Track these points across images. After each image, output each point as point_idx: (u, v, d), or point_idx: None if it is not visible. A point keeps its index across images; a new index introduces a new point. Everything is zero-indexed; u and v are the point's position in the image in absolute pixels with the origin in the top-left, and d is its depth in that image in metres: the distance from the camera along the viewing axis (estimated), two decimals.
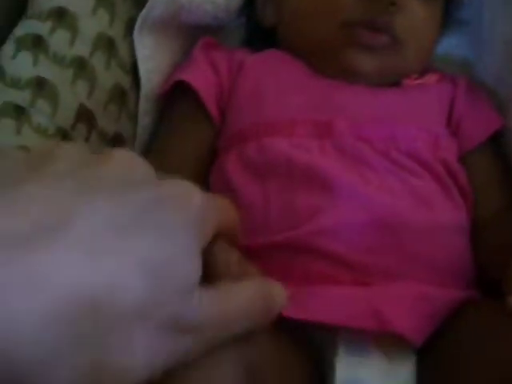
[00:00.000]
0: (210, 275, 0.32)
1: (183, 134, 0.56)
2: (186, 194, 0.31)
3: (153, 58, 0.58)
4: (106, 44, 0.53)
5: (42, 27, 0.50)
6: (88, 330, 0.25)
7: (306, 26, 0.59)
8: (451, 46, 0.70)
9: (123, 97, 0.55)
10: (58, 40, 0.51)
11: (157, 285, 0.27)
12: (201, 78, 0.58)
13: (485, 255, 0.52)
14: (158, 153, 0.56)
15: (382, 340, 0.43)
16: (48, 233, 0.25)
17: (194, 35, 0.64)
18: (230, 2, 0.63)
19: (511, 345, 0.40)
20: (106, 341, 0.25)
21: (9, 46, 0.49)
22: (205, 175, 0.55)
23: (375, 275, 0.47)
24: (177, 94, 0.58)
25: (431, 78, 0.62)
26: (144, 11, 0.55)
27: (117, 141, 0.54)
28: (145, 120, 0.58)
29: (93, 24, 0.53)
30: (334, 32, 0.56)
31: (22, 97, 0.47)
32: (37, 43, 0.50)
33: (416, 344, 0.43)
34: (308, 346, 0.45)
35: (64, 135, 0.49)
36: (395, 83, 0.60)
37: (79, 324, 0.24)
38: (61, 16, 0.51)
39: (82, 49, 0.52)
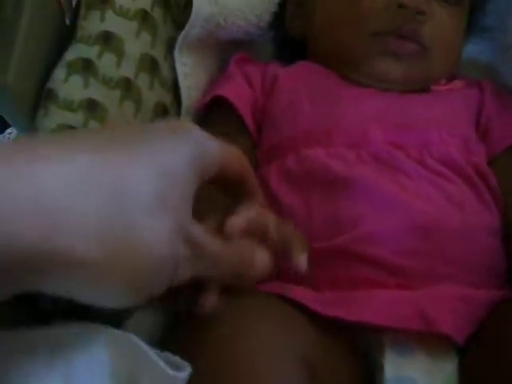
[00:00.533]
0: None
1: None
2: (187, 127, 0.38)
3: (192, 75, 0.61)
4: (149, 64, 0.56)
5: (91, 51, 0.53)
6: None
7: (335, 35, 0.62)
8: (476, 51, 0.72)
9: (165, 114, 0.58)
10: (106, 63, 0.53)
11: (164, 184, 0.33)
12: (237, 92, 0.61)
13: None
14: None
15: (426, 340, 0.46)
16: None
17: (227, 51, 0.67)
18: (261, 18, 0.66)
19: None
20: (132, 219, 0.32)
21: (60, 70, 0.52)
22: None
23: (417, 278, 0.49)
24: (215, 108, 0.61)
25: (458, 84, 0.65)
26: (184, 31, 0.58)
27: None
28: None
29: (137, 46, 0.56)
30: (364, 41, 0.59)
31: (75, 118, 0.50)
32: (86, 67, 0.52)
33: (459, 343, 0.46)
34: (355, 348, 0.48)
35: None
36: (424, 89, 0.63)
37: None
38: (107, 40, 0.54)
39: (127, 70, 0.55)
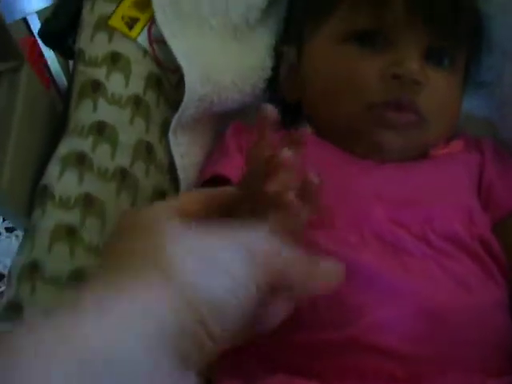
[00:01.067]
0: None
1: None
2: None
3: (188, 154, 0.61)
4: (144, 151, 0.56)
5: (84, 143, 0.53)
6: None
7: (331, 107, 0.61)
8: (473, 106, 0.72)
9: (163, 198, 0.57)
10: (101, 154, 0.53)
11: None
12: (234, 168, 0.60)
13: None
14: None
15: None
16: None
17: (223, 122, 0.66)
18: (255, 86, 0.66)
19: None
20: None
21: (54, 166, 0.52)
22: None
23: (428, 365, 0.48)
24: (213, 184, 0.61)
25: (458, 145, 0.64)
26: (177, 114, 0.58)
27: None
28: None
29: (131, 133, 0.55)
30: (360, 113, 0.58)
31: (72, 217, 0.50)
32: (80, 160, 0.52)
33: None
34: None
35: None
36: (423, 154, 0.62)
37: None
38: (101, 130, 0.54)
39: (122, 160, 0.54)
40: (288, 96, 0.67)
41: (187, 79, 0.57)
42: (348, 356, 0.49)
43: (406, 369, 0.48)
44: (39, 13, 1.33)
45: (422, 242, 0.53)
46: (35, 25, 1.33)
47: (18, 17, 1.36)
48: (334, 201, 0.56)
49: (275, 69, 0.68)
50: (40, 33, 0.67)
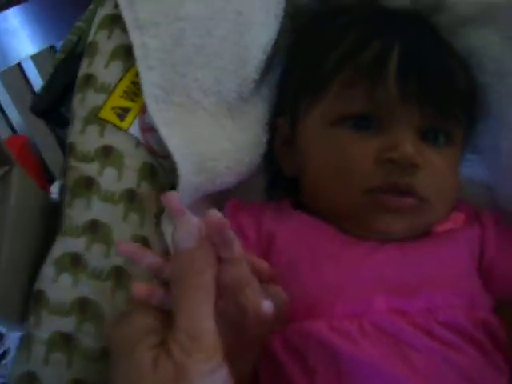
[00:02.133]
0: None
1: None
2: None
3: None
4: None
5: (78, 244, 0.53)
6: None
7: (326, 190, 0.61)
8: (470, 172, 0.72)
9: None
10: (95, 254, 0.53)
11: None
12: None
13: None
14: None
15: None
16: None
17: (219, 200, 0.66)
18: (251, 164, 0.66)
19: None
20: None
21: (48, 269, 0.52)
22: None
23: None
24: None
25: (459, 219, 0.64)
26: None
27: None
28: None
29: (125, 229, 0.55)
30: (359, 198, 0.58)
31: (68, 323, 0.50)
32: (75, 262, 0.52)
33: None
34: None
35: None
36: (425, 231, 0.62)
37: None
38: (95, 229, 0.54)
39: (117, 258, 0.54)
40: (285, 171, 0.67)
41: (181, 171, 0.57)
42: None
43: None
44: (33, 57, 1.34)
45: (426, 333, 0.53)
46: (30, 69, 1.34)
47: (12, 62, 1.38)
48: (335, 287, 0.56)
49: (271, 141, 0.68)
50: (32, 108, 0.67)
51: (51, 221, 0.55)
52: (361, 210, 0.59)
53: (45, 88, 0.67)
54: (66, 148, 0.58)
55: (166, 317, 0.43)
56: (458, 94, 0.61)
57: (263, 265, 0.48)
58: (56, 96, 0.65)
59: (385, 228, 0.59)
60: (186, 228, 0.44)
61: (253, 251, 0.58)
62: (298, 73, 0.67)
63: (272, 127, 0.68)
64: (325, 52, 0.63)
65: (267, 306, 0.45)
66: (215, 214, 0.45)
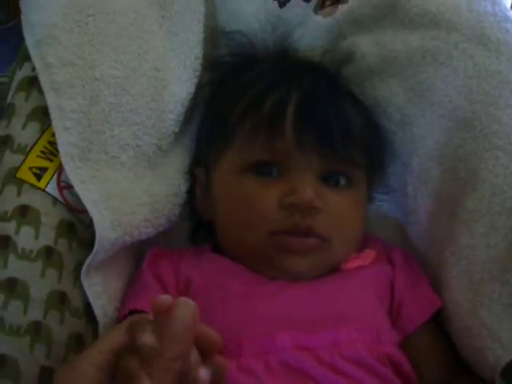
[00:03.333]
0: None
1: None
2: None
3: (106, 291, 0.63)
4: (58, 300, 0.58)
5: None
6: None
7: (236, 233, 0.66)
8: (384, 209, 0.77)
9: (80, 342, 0.60)
10: (13, 311, 0.55)
11: None
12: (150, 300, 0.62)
13: None
14: None
15: None
16: None
17: (141, 247, 0.69)
18: (170, 215, 0.69)
19: None
20: None
21: None
22: None
23: None
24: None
25: (369, 256, 0.68)
26: (88, 260, 0.60)
27: None
28: None
29: (43, 286, 0.58)
30: (264, 241, 0.63)
31: None
32: None
33: None
34: None
35: None
36: (334, 268, 0.66)
37: None
38: (12, 287, 0.56)
39: (35, 313, 0.56)
40: (203, 215, 0.71)
41: (97, 227, 0.60)
42: None
43: None
44: None
45: (329, 367, 0.57)
46: None
47: None
48: (242, 326, 0.59)
49: (191, 189, 0.72)
50: None
51: None
52: (266, 252, 0.63)
53: None
54: None
55: None
56: (355, 140, 0.66)
57: (211, 335, 0.49)
58: None
59: (290, 268, 0.63)
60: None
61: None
62: (208, 124, 0.72)
63: (192, 175, 0.72)
64: (233, 103, 0.68)
65: (204, 373, 0.45)
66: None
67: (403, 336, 0.64)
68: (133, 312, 0.62)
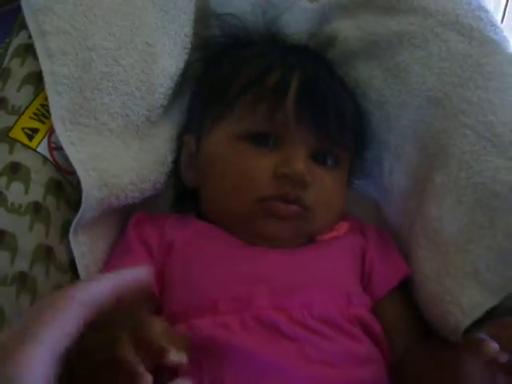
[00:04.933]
0: None
1: None
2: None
3: (91, 251, 0.66)
4: (44, 254, 0.62)
5: None
6: None
7: (224, 198, 0.69)
8: (362, 191, 0.81)
9: None
10: (0, 262, 0.58)
11: None
12: (135, 263, 0.65)
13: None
14: None
15: None
16: None
17: (126, 213, 0.73)
18: (156, 181, 0.73)
19: None
20: None
21: None
22: None
23: None
24: None
25: (343, 227, 0.72)
26: (76, 217, 0.64)
27: None
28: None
29: (31, 238, 0.61)
30: (252, 206, 0.67)
31: None
32: None
33: None
34: None
35: None
36: (310, 240, 0.70)
37: None
38: (0, 238, 0.59)
39: (22, 264, 0.60)
40: (187, 183, 0.75)
41: (84, 186, 0.63)
42: None
43: None
44: None
45: (300, 325, 0.61)
46: None
47: None
48: (220, 286, 0.63)
49: (177, 159, 0.76)
50: None
51: None
52: (251, 217, 0.67)
53: None
54: None
55: None
56: (347, 125, 0.71)
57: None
58: None
59: (271, 233, 0.67)
60: None
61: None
62: (205, 95, 0.75)
63: (179, 145, 0.76)
64: (230, 78, 0.72)
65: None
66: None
67: (374, 301, 0.68)
68: None
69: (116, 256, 0.68)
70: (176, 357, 0.47)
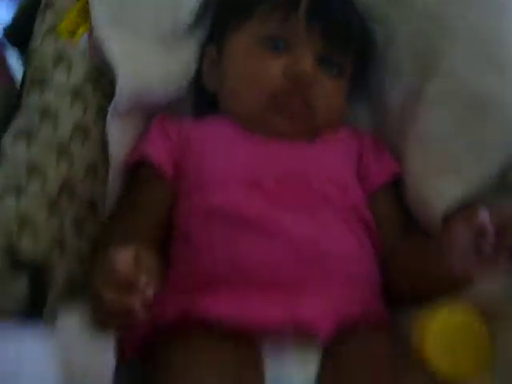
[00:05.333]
0: None
1: (146, 192, 0.75)
2: None
3: (119, 137, 0.76)
4: (81, 131, 0.72)
5: (32, 122, 0.68)
6: None
7: (240, 94, 0.79)
8: (362, 115, 0.89)
9: (96, 171, 0.73)
10: (45, 130, 0.68)
11: None
12: (155, 150, 0.76)
13: (394, 272, 0.72)
14: (128, 210, 0.74)
15: (297, 339, 0.61)
16: None
17: (151, 112, 0.82)
18: (180, 88, 0.83)
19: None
20: None
21: (7, 138, 0.67)
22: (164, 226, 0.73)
23: (300, 293, 0.64)
24: (141, 164, 0.76)
25: (342, 133, 0.82)
26: (112, 102, 0.74)
27: (92, 206, 0.73)
28: (114, 186, 0.76)
29: (70, 115, 0.71)
30: (264, 100, 0.76)
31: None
32: (28, 136, 0.67)
33: (322, 337, 0.61)
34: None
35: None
36: (312, 139, 0.79)
37: None
38: (45, 113, 0.69)
39: (61, 135, 0.70)
40: (209, 87, 0.84)
41: (118, 72, 0.74)
42: (236, 287, 0.65)
43: (282, 294, 0.64)
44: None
45: (301, 198, 0.70)
46: None
47: None
48: (229, 168, 0.73)
49: (200, 68, 0.85)
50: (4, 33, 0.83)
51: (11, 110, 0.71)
52: (264, 111, 0.77)
53: (13, 18, 0.83)
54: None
55: None
56: (353, 33, 0.80)
57: None
58: (22, 23, 0.81)
59: (278, 128, 0.77)
60: None
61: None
62: (227, 6, 0.85)
63: (201, 54, 0.86)
64: None
65: None
66: None
67: (369, 195, 0.77)
68: (140, 161, 0.76)
69: (140, 144, 0.78)
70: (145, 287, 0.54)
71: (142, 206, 0.74)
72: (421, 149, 0.76)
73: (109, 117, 0.74)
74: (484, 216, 0.59)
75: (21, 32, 0.79)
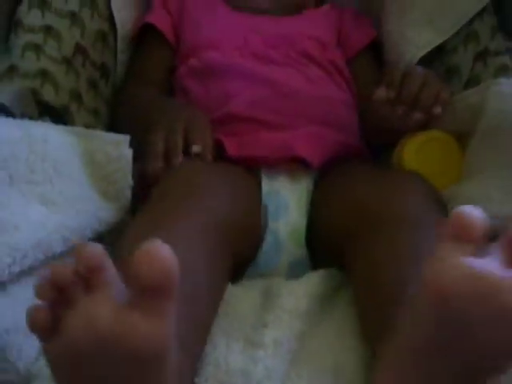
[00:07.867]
0: None
1: (152, 56, 0.85)
2: None
3: (124, 9, 0.85)
4: (89, 2, 0.81)
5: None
6: None
7: None
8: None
9: (105, 38, 0.83)
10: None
11: None
12: (157, 17, 0.86)
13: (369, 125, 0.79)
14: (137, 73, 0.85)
15: (290, 165, 0.71)
16: None
17: None
18: None
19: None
20: None
21: (24, 5, 0.75)
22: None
23: (287, 128, 0.73)
24: (145, 33, 0.86)
25: (325, 8, 0.91)
26: None
27: (104, 68, 0.82)
28: (122, 56, 0.86)
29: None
30: None
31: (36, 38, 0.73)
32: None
33: (313, 165, 0.70)
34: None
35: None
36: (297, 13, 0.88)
37: None
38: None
39: (73, 5, 0.78)
40: None
41: None
42: (232, 125, 0.74)
43: (271, 128, 0.73)
44: None
45: (286, 56, 0.80)
46: None
47: None
48: (223, 32, 0.82)
49: None
50: None
51: None
52: None
53: None
54: None
55: None
56: None
57: None
58: None
59: (263, 4, 0.86)
60: None
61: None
62: None
63: None
64: None
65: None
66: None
67: (348, 59, 0.86)
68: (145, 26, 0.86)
69: (145, 15, 0.87)
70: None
71: (151, 67, 0.84)
72: (396, 7, 0.84)
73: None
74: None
75: None
